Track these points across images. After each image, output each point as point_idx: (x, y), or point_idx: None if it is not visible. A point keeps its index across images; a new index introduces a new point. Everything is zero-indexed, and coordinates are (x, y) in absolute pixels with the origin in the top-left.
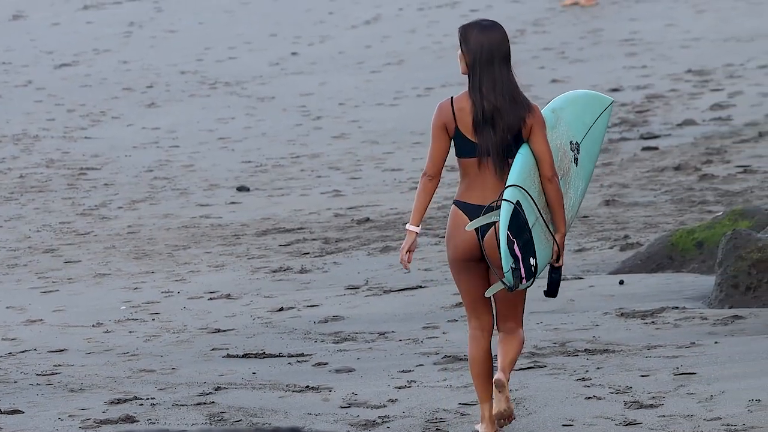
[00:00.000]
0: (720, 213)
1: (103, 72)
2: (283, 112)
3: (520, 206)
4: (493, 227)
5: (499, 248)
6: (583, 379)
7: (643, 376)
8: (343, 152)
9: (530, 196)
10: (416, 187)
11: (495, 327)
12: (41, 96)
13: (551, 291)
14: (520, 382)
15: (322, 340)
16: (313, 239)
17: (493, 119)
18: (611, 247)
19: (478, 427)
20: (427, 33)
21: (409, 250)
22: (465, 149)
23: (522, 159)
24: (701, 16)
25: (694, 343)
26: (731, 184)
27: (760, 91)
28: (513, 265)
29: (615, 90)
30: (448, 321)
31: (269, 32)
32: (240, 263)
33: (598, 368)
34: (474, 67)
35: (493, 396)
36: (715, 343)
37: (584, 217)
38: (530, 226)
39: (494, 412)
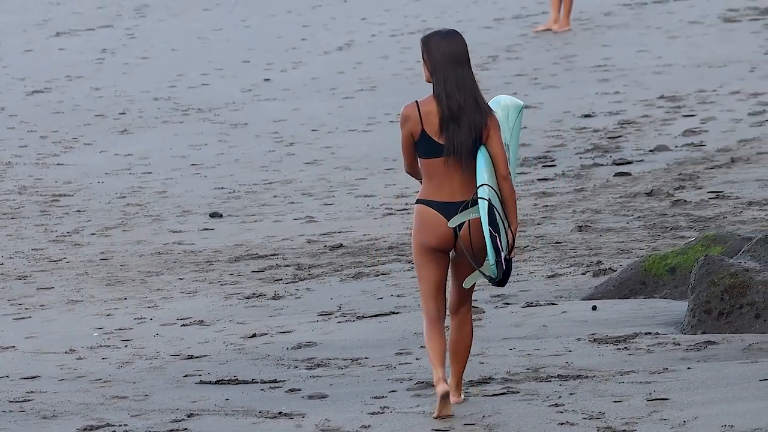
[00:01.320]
0: (692, 239)
1: (76, 98)
2: (255, 138)
3: (492, 203)
4: (466, 223)
5: (470, 242)
6: (557, 405)
7: (616, 401)
8: (316, 178)
9: (496, 194)
10: (390, 213)
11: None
12: (14, 122)
13: (503, 280)
14: (493, 408)
15: (295, 366)
16: (286, 265)
17: (459, 118)
18: (584, 273)
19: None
20: (400, 59)
21: None
22: (431, 150)
23: (484, 159)
24: (673, 42)
25: (667, 368)
26: (704, 210)
27: (733, 116)
28: (497, 258)
29: (587, 116)
30: (421, 347)
31: (242, 59)
32: (213, 289)
33: (571, 394)
34: (437, 71)
35: (438, 402)
36: (688, 368)
37: (557, 242)
38: (500, 222)
39: (435, 414)
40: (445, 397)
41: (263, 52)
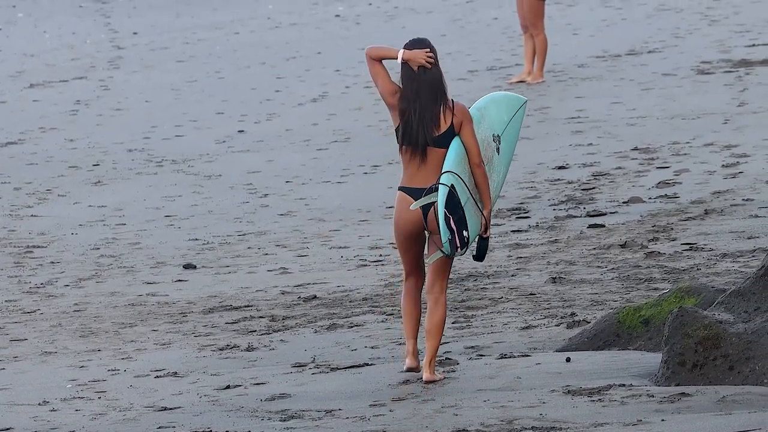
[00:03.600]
0: (666, 290)
1: (50, 150)
2: (229, 189)
3: (454, 189)
4: (433, 206)
5: (437, 224)
6: None
7: None
8: (289, 230)
9: (462, 179)
10: (364, 264)
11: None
12: None
13: (480, 256)
14: None
15: (269, 418)
16: (260, 317)
17: (413, 115)
18: (558, 325)
19: (406, 360)
20: (374, 111)
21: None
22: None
23: (455, 149)
24: (647, 95)
25: (641, 420)
26: (677, 262)
27: (706, 168)
28: (449, 237)
29: (561, 167)
30: (394, 399)
31: (216, 110)
32: (187, 341)
33: None
34: (401, 73)
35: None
36: (662, 420)
37: (531, 294)
38: (463, 205)
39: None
40: (411, 371)
41: (237, 103)
